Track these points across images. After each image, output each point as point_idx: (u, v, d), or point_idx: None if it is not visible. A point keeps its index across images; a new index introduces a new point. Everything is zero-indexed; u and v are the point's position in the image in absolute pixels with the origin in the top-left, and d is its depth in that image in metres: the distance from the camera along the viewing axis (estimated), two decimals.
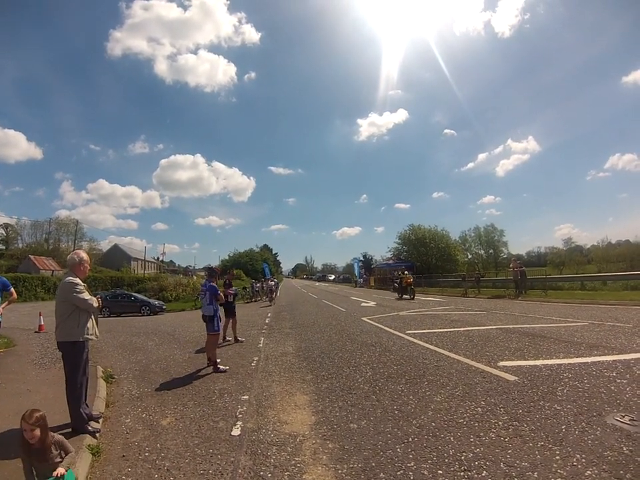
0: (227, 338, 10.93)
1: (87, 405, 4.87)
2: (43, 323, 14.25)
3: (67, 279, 4.67)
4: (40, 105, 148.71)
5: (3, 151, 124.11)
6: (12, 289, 7.33)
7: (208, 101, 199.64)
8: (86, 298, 4.59)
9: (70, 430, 4.45)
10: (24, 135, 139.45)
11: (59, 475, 3.09)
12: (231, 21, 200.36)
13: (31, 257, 59.20)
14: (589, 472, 3.10)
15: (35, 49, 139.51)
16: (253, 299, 32.02)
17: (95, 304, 4.71)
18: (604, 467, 3.16)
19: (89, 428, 4.52)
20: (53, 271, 56.30)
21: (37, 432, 3.08)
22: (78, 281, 4.67)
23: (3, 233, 79.93)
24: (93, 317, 4.84)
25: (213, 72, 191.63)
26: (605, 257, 55.87)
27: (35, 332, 13.74)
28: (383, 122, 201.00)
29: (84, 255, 4.92)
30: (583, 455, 3.37)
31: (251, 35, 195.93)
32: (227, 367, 7.69)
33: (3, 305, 7.09)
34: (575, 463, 3.25)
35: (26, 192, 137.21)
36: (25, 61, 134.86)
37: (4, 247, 76.49)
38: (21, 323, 17.09)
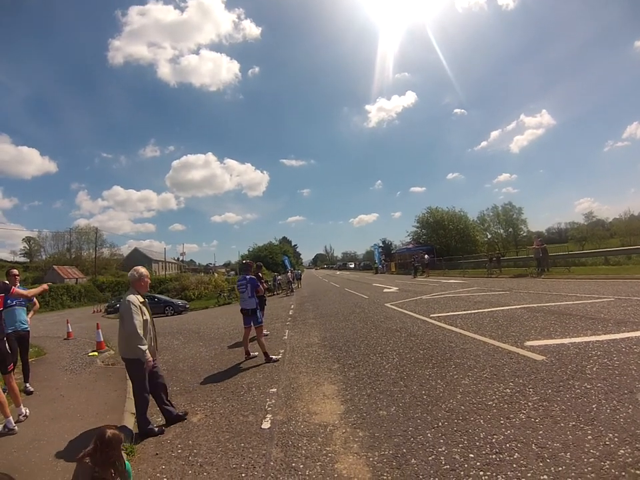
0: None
1: (171, 404, 5.15)
2: (71, 330, 14.56)
3: (127, 297, 4.81)
4: (49, 120, 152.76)
5: (19, 167, 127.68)
6: (34, 299, 7.51)
7: (214, 99, 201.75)
8: (135, 323, 4.58)
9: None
10: (37, 151, 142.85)
11: None
12: (230, 17, 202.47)
13: (55, 267, 60.51)
14: (621, 451, 3.06)
15: (38, 66, 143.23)
16: (275, 292, 32.23)
17: (145, 350, 4.66)
18: (637, 445, 3.12)
19: (155, 429, 4.74)
20: (76, 279, 57.40)
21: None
22: (135, 299, 4.78)
23: (26, 246, 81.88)
24: (152, 333, 5.03)
25: (217, 70, 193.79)
26: (628, 229, 54.90)
27: (64, 339, 14.04)
28: (391, 106, 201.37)
29: (143, 271, 5.11)
30: (616, 434, 3.32)
31: (252, 30, 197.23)
32: (279, 357, 7.99)
33: (30, 315, 7.31)
34: (607, 442, 3.21)
35: (44, 205, 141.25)
36: (30, 79, 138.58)
37: (28, 260, 78.29)
38: (49, 332, 17.56)
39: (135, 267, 5.22)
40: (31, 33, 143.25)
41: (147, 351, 4.66)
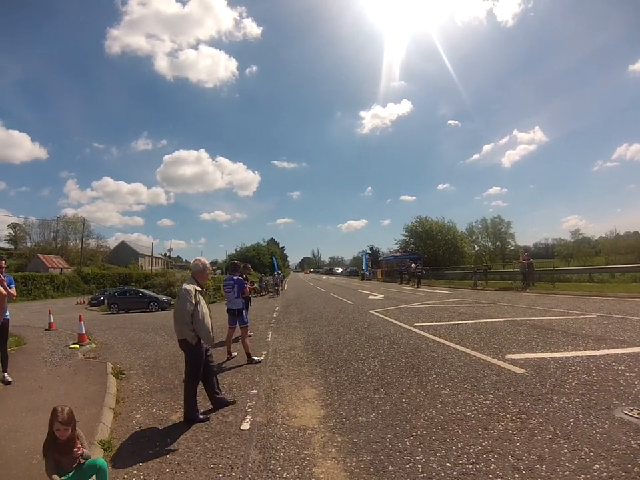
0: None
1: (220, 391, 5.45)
2: (52, 321, 14.34)
3: (184, 286, 4.95)
4: (42, 106, 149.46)
5: (8, 152, 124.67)
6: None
7: (210, 96, 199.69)
8: (187, 309, 4.75)
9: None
10: (28, 136, 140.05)
11: (80, 453, 3.15)
12: (232, 15, 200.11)
13: (40, 255, 59.56)
14: (597, 465, 3.10)
15: (34, 51, 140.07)
16: (261, 293, 32.14)
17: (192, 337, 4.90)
18: (612, 460, 3.16)
19: (200, 417, 4.84)
20: (61, 269, 56.63)
21: (69, 430, 3.10)
22: (191, 288, 4.89)
23: (12, 232, 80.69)
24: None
25: (214, 67, 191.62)
26: (613, 248, 55.61)
27: (45, 330, 13.82)
28: (386, 114, 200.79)
29: (207, 262, 5.33)
30: (591, 449, 3.37)
31: (252, 29, 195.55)
32: (261, 358, 7.93)
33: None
34: (583, 457, 3.25)
35: (32, 192, 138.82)
36: (25, 62, 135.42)
37: (13, 247, 77.20)
38: (30, 321, 17.30)
39: (199, 258, 5.35)
40: (28, 15, 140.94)
41: (194, 334, 4.85)
